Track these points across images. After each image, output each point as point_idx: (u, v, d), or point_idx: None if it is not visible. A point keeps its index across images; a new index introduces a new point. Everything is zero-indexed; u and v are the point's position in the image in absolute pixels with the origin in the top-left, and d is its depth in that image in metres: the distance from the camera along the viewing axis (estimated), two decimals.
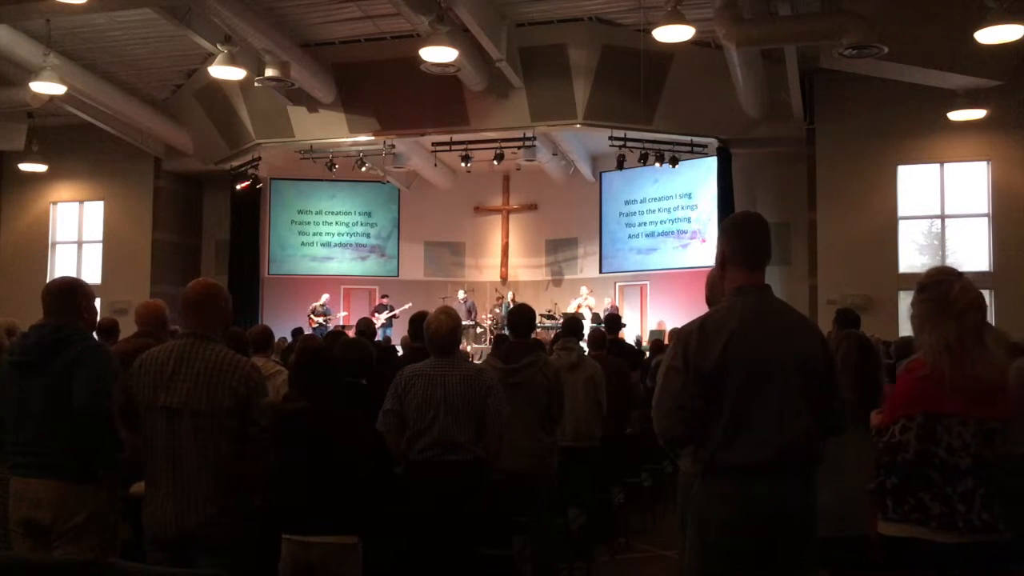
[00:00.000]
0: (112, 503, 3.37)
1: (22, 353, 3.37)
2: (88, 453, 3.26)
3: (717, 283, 3.60)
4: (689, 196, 15.39)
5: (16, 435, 3.32)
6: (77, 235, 17.25)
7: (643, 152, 13.98)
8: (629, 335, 14.34)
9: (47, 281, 3.99)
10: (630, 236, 16.33)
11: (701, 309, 3.02)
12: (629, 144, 13.71)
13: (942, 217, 13.16)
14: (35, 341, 3.36)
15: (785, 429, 2.60)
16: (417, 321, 5.44)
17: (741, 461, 2.59)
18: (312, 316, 15.44)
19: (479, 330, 16.08)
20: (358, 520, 3.22)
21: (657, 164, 14.10)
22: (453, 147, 14.54)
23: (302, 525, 3.15)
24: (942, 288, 2.67)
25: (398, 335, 13.58)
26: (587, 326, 11.16)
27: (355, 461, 3.26)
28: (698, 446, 2.68)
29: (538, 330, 12.77)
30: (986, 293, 6.59)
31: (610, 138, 13.61)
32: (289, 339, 10.07)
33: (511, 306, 13.63)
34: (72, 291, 3.49)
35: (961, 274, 2.74)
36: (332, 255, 17.62)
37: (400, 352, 8.49)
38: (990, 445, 2.58)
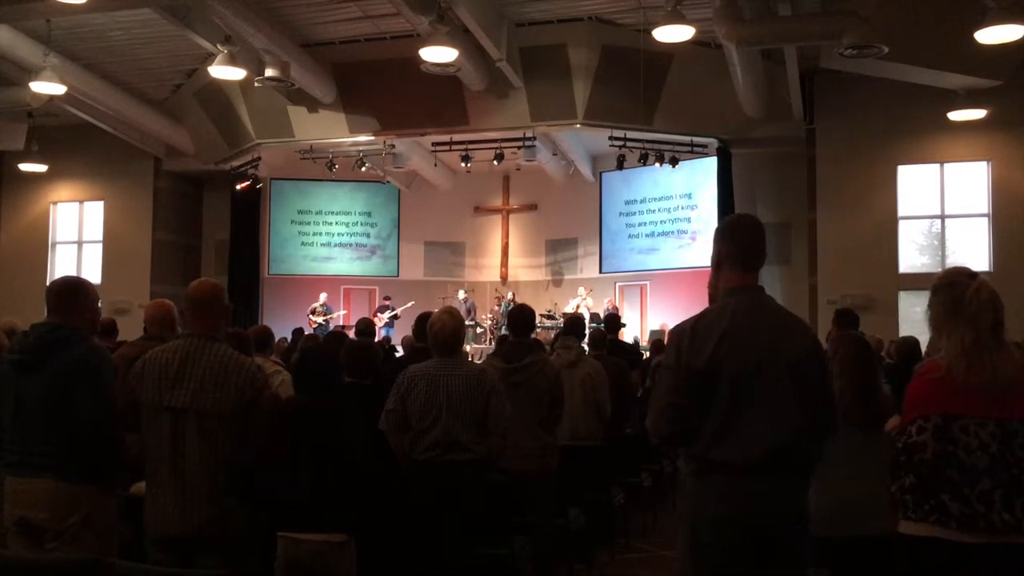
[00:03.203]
0: (112, 504, 3.37)
1: (20, 352, 3.37)
2: (89, 456, 3.25)
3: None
4: (689, 196, 15.39)
5: (12, 434, 3.31)
6: (77, 235, 17.26)
7: (643, 152, 13.98)
8: (627, 335, 14.33)
9: (47, 281, 3.99)
10: (630, 236, 16.33)
11: (701, 309, 3.03)
12: (629, 144, 13.71)
13: (942, 217, 13.16)
14: (34, 340, 3.35)
15: (775, 428, 2.60)
16: (423, 321, 5.44)
17: (732, 460, 2.60)
18: (311, 316, 15.45)
19: (479, 330, 16.09)
20: (352, 518, 3.20)
21: (657, 164, 14.10)
22: (453, 147, 14.55)
23: (295, 523, 3.14)
24: (956, 290, 2.68)
25: (399, 335, 13.59)
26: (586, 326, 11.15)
27: (353, 461, 3.25)
28: (690, 445, 2.69)
29: (538, 330, 12.76)
30: None
31: (610, 138, 13.61)
32: (289, 339, 10.06)
33: (512, 306, 13.65)
34: (74, 290, 3.48)
35: (975, 274, 2.74)
36: (332, 255, 17.63)
37: (401, 352, 8.51)
38: (1011, 446, 2.56)
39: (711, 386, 2.63)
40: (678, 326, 2.80)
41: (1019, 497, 2.54)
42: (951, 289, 2.68)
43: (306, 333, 11.85)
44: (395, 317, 15.43)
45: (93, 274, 16.51)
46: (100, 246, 16.84)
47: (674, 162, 14.12)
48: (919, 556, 2.60)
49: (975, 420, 2.58)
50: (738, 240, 2.81)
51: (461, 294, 15.88)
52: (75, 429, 3.22)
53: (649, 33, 9.81)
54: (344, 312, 16.25)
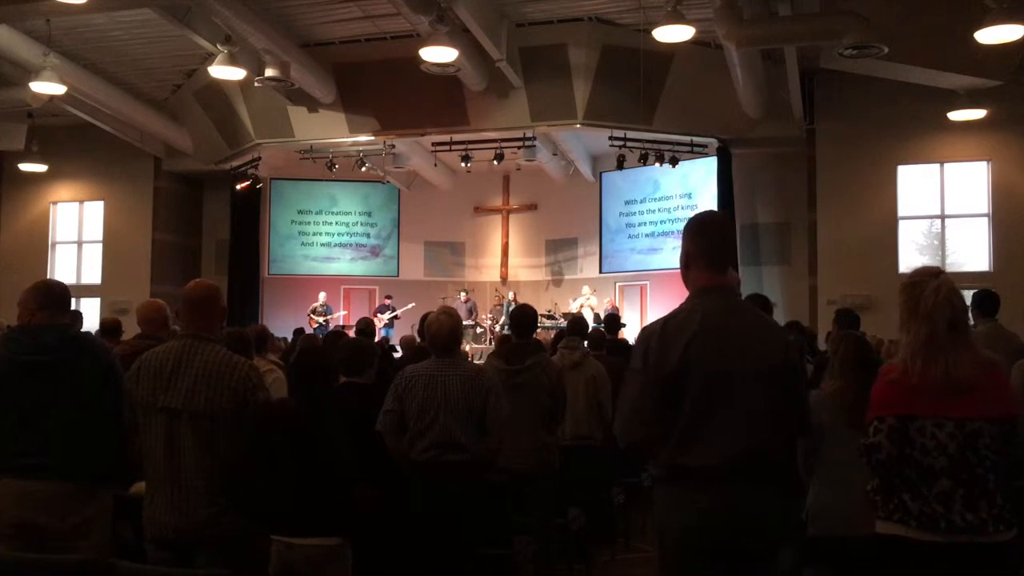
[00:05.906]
0: (113, 505, 3.37)
1: (38, 353, 3.25)
2: (100, 457, 3.25)
3: None
4: (689, 196, 15.38)
5: (14, 435, 3.23)
6: (77, 235, 17.25)
7: (643, 152, 13.97)
8: (626, 336, 14.30)
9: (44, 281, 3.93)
10: (630, 236, 16.32)
11: None
12: (629, 144, 13.70)
13: (942, 217, 13.16)
14: (52, 342, 3.27)
15: (744, 433, 2.52)
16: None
17: (699, 465, 2.52)
18: (312, 316, 15.45)
19: (479, 330, 16.08)
20: (344, 522, 3.17)
21: (657, 164, 14.09)
22: (453, 147, 14.53)
23: (287, 526, 3.12)
24: (916, 289, 2.65)
25: (399, 336, 13.58)
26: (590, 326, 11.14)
27: (341, 462, 3.21)
28: (657, 450, 2.60)
29: (538, 330, 12.73)
30: None
31: (610, 138, 13.60)
32: (290, 340, 10.05)
33: (512, 306, 13.64)
34: (68, 295, 3.51)
35: (940, 273, 2.70)
36: (332, 255, 17.62)
37: (400, 352, 8.51)
38: (974, 446, 2.54)
39: (679, 390, 2.54)
40: (647, 328, 2.71)
41: (983, 497, 2.51)
42: (913, 288, 2.66)
43: (306, 333, 11.85)
44: (395, 318, 15.44)
45: (93, 274, 16.54)
46: (100, 246, 16.84)
47: (674, 162, 14.11)
48: (887, 554, 2.59)
49: (932, 421, 2.55)
50: (706, 238, 2.72)
51: (462, 295, 15.87)
52: (97, 430, 3.22)
53: (649, 33, 9.80)
54: (344, 312, 16.26)
